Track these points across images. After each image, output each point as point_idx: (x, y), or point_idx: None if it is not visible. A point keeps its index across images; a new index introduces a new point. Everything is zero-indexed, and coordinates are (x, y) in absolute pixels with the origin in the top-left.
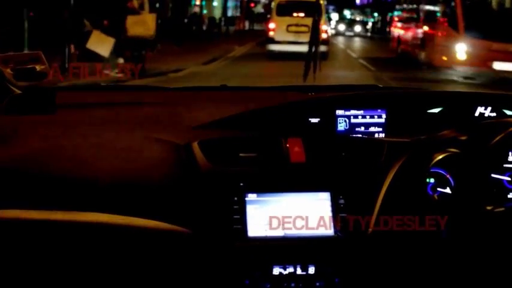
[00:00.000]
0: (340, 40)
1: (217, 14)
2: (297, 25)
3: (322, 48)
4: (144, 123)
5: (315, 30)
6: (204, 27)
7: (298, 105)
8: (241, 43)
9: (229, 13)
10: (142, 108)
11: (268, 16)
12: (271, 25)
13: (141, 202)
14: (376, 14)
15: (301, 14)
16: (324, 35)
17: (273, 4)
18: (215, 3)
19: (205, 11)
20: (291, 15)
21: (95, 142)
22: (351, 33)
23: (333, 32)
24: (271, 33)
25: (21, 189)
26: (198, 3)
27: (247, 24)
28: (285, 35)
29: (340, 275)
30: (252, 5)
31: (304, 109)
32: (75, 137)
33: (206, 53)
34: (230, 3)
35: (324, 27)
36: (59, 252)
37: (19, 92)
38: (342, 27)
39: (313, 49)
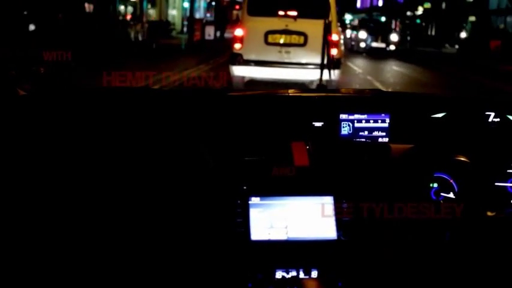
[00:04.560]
0: None
1: (177, 16)
2: (284, 32)
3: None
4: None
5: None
6: (141, 37)
7: (302, 109)
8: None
9: (200, 16)
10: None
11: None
12: (239, 32)
13: (146, 205)
14: (383, 18)
15: (292, 13)
16: (334, 51)
17: None
18: (173, 2)
19: (151, 12)
20: (273, 14)
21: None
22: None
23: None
24: (236, 47)
25: None
26: None
27: (211, 31)
28: (261, 49)
29: (342, 279)
30: (237, 7)
31: (308, 113)
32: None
33: None
34: (202, 4)
35: (334, 36)
36: None
37: (24, 93)
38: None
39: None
